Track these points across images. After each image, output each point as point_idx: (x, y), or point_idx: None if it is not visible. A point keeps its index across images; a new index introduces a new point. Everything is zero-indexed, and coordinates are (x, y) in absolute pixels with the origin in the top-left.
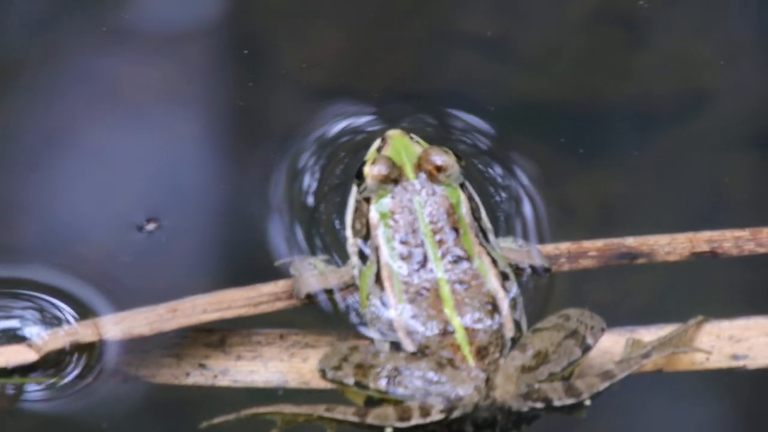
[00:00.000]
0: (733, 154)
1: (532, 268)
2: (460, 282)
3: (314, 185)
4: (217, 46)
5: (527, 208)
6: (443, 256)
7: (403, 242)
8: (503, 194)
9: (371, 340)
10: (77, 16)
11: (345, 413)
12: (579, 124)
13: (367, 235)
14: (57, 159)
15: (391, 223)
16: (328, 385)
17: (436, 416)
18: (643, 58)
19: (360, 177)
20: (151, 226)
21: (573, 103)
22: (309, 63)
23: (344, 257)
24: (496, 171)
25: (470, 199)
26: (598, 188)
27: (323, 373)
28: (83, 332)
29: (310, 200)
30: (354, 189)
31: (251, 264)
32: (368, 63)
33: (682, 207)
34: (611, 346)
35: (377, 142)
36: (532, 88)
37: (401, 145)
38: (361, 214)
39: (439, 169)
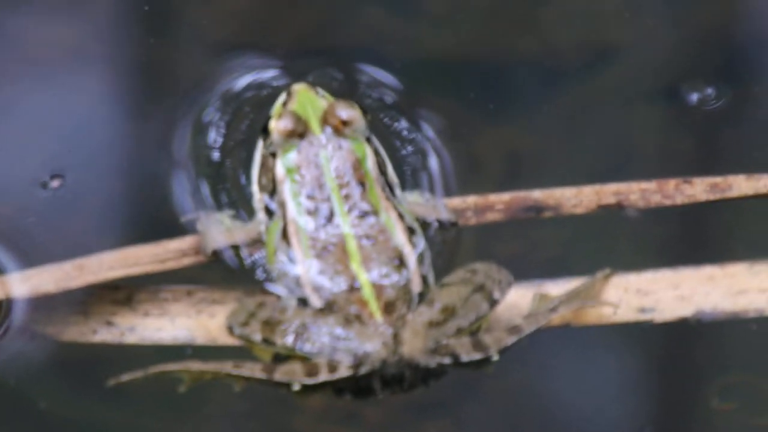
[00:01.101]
0: (640, 108)
1: (439, 222)
2: (367, 237)
3: (220, 140)
4: (121, 3)
5: (434, 162)
6: (350, 210)
7: (310, 197)
8: (410, 148)
9: (278, 297)
10: None
11: (252, 370)
12: (485, 78)
13: (273, 190)
14: None
15: (297, 178)
16: (236, 342)
17: (343, 372)
18: (548, 12)
19: (265, 132)
20: (55, 183)
21: (479, 58)
22: (213, 18)
23: (251, 213)
24: (403, 125)
25: (376, 153)
26: (505, 142)
27: (231, 330)
28: None
29: (216, 156)
30: (260, 144)
31: (157, 220)
32: (274, 18)
33: (589, 161)
34: (518, 300)
35: (283, 97)
36: (438, 44)
37: (307, 100)
38: (267, 169)
39: (344, 123)
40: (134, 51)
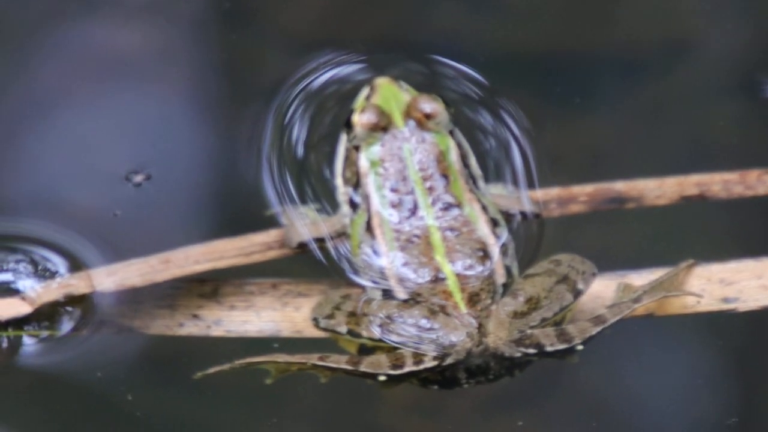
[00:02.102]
0: (720, 100)
1: (523, 214)
2: (451, 229)
3: (304, 135)
4: (203, 2)
5: (516, 155)
6: (434, 203)
7: (394, 190)
8: (493, 141)
9: (363, 289)
10: None
11: (338, 362)
12: (567, 72)
13: (357, 183)
14: (47, 117)
15: (381, 171)
16: (321, 334)
17: (429, 363)
18: (627, 6)
19: (349, 126)
20: (139, 178)
21: (560, 52)
22: (293, 15)
23: (335, 206)
24: (486, 118)
25: (459, 146)
26: (587, 135)
27: (316, 322)
28: (76, 284)
29: (300, 150)
30: (343, 138)
31: (243, 214)
32: (353, 13)
33: (670, 152)
34: (602, 290)
35: (365, 91)
36: (519, 38)
37: (390, 93)
38: (350, 162)
39: (428, 116)
40: (217, 49)
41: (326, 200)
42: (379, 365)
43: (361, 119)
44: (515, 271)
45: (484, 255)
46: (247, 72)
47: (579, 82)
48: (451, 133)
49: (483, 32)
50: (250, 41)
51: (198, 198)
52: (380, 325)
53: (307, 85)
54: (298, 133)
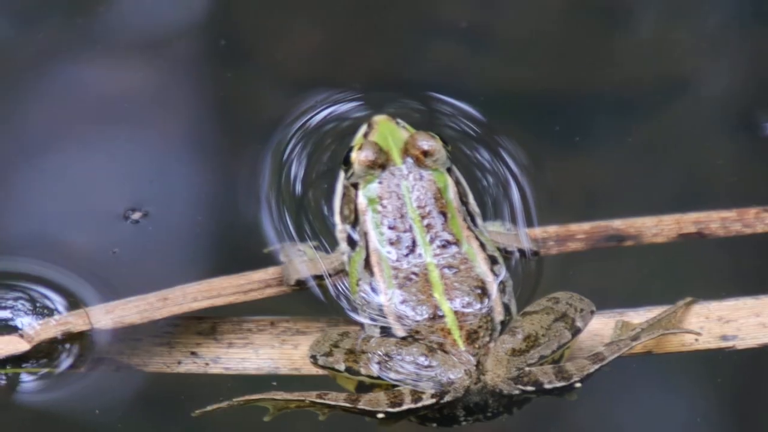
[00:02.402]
0: (717, 137)
1: (521, 251)
2: (449, 266)
3: (301, 173)
4: (197, 41)
5: (514, 193)
6: (432, 240)
7: (392, 227)
8: (490, 179)
9: (361, 326)
10: (54, 25)
11: (337, 399)
12: (564, 111)
13: (355, 220)
14: (44, 157)
15: (379, 208)
16: (320, 372)
17: (427, 401)
18: (622, 45)
19: (347, 163)
20: (136, 215)
21: (557, 90)
22: (288, 53)
23: (333, 243)
24: (483, 156)
25: (457, 183)
26: (584, 173)
27: (314, 360)
28: (74, 322)
29: (298, 188)
30: (341, 175)
31: (241, 252)
32: (348, 53)
33: (668, 190)
34: (601, 328)
35: (364, 128)
36: (514, 77)
37: (388, 131)
38: (349, 199)
39: (425, 153)
40: (213, 87)
41: (324, 238)
42: (377, 403)
43: (359, 157)
44: (513, 308)
45: (483, 292)
46: (244, 110)
47: (576, 121)
48: (449, 170)
49: (480, 70)
50: (246, 79)
51: (196, 236)
52: (378, 363)
53: (305, 123)
54: (296, 170)
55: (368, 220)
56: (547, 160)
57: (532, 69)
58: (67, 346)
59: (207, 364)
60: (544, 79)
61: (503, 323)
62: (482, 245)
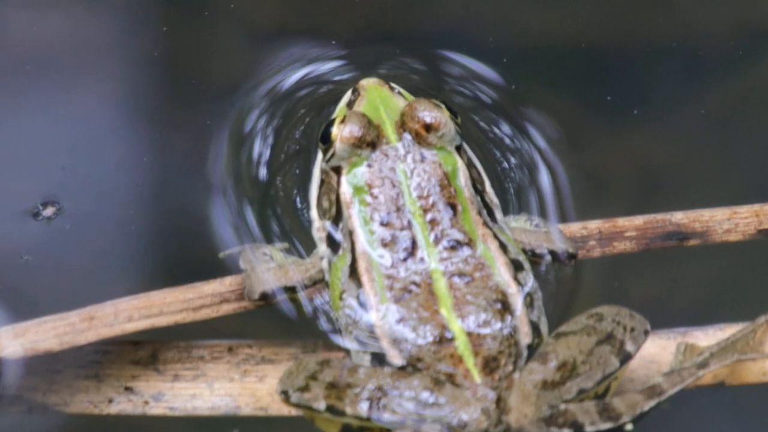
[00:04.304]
0: None
1: (553, 254)
2: (460, 274)
3: (267, 153)
4: None
5: (545, 178)
6: (437, 241)
7: (385, 224)
8: (514, 160)
9: (347, 352)
10: None
11: None
12: (611, 71)
13: (337, 216)
14: None
15: (369, 199)
16: (293, 411)
17: None
18: None
19: (326, 141)
20: (48, 211)
21: (603, 44)
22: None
23: (309, 245)
24: (505, 130)
25: (470, 166)
26: (638, 152)
27: (286, 396)
28: None
29: (263, 173)
30: (319, 157)
31: (188, 257)
32: None
33: (746, 174)
34: (658, 353)
35: (348, 95)
36: (550, 26)
37: (379, 98)
38: (329, 188)
39: (428, 127)
40: (157, 42)
41: (298, 238)
42: None
43: (342, 132)
44: (544, 328)
45: (504, 308)
46: (196, 72)
47: (628, 84)
48: (459, 149)
49: (502, 18)
50: (199, 32)
51: (129, 236)
52: (369, 400)
53: (272, 87)
54: (261, 150)
55: (354, 214)
56: (588, 136)
57: (573, 18)
58: None
59: (146, 402)
60: (587, 30)
61: (531, 347)
62: (503, 246)
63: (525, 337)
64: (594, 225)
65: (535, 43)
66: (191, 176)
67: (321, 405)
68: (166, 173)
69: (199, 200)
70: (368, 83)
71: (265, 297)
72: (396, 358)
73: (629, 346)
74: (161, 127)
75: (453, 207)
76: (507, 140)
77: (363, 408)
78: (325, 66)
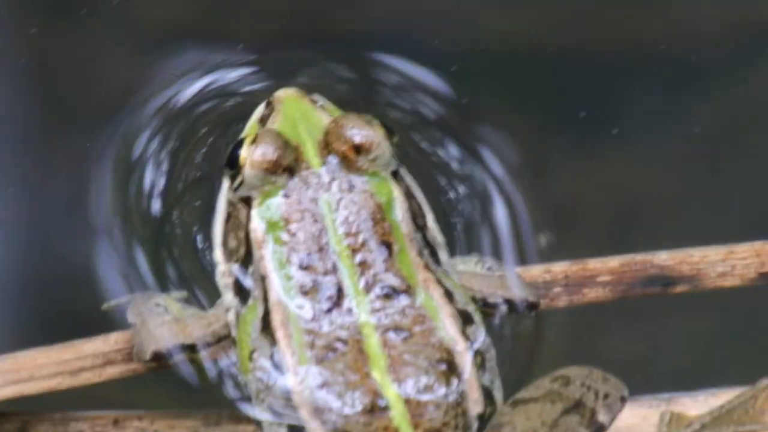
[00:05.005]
0: None
1: (510, 303)
2: (396, 328)
3: (161, 183)
4: None
5: (500, 211)
6: (368, 287)
7: (305, 267)
8: (463, 189)
9: (258, 425)
10: None
11: None
12: (581, 80)
13: (247, 257)
14: None
15: (285, 237)
16: None
17: None
18: None
19: (233, 166)
20: None
21: (571, 48)
22: None
23: (213, 294)
24: (452, 153)
25: (409, 196)
26: (614, 178)
27: None
28: None
29: (156, 207)
30: (225, 185)
31: (65, 309)
32: None
33: (743, 205)
34: (637, 424)
35: (260, 109)
36: (507, 26)
37: (298, 113)
38: (237, 224)
39: (358, 148)
40: (19, 46)
41: (198, 285)
42: None
43: (252, 155)
44: (498, 394)
45: (449, 369)
46: (72, 83)
47: (601, 96)
48: (395, 175)
49: (451, 16)
50: (77, 34)
51: None
52: None
53: (167, 101)
54: (154, 179)
55: (268, 255)
56: (554, 159)
57: (536, 14)
58: None
59: None
60: (556, 31)
61: (482, 417)
62: (448, 294)
63: (475, 406)
64: (560, 268)
65: (492, 46)
66: (68, 211)
67: None
68: (36, 208)
69: (78, 240)
70: (285, 95)
71: (158, 357)
72: (318, 431)
73: (602, 416)
74: (30, 151)
75: (388, 246)
76: (455, 165)
77: None
78: (230, 74)
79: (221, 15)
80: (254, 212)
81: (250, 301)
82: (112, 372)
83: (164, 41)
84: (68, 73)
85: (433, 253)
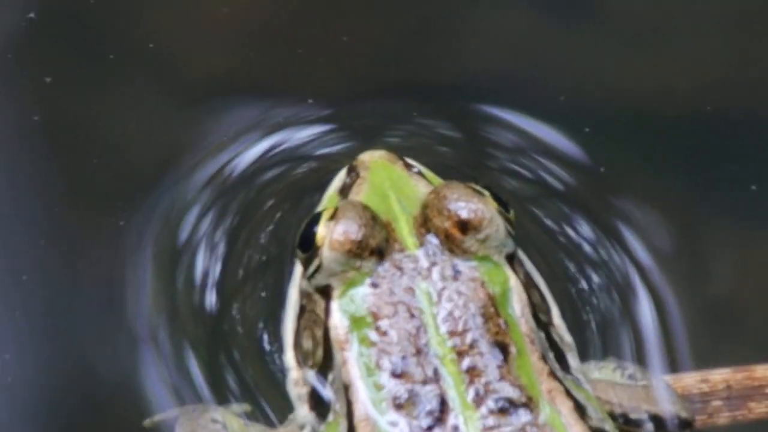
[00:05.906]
0: None
1: (657, 420)
2: None
3: (217, 271)
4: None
5: (645, 306)
6: (479, 400)
7: (399, 375)
8: (598, 279)
9: None
10: None
11: None
12: (741, 143)
13: (326, 362)
14: None
15: (374, 336)
16: None
17: None
18: None
19: (308, 247)
20: None
21: (726, 106)
22: (201, 41)
23: (284, 407)
24: (585, 233)
25: (529, 286)
26: None
27: None
28: None
29: (211, 301)
30: (298, 272)
31: (100, 426)
32: (317, 27)
33: None
34: None
35: (341, 176)
36: (646, 79)
37: (388, 181)
38: (312, 320)
39: (465, 226)
40: (33, 99)
41: (265, 396)
42: None
43: (332, 234)
44: None
45: None
46: (100, 145)
47: (765, 163)
48: (512, 260)
49: (576, 66)
50: (106, 85)
51: (11, 399)
52: None
53: (222, 168)
54: (207, 265)
55: (352, 359)
56: (712, 243)
57: (679, 63)
58: None
59: None
60: (702, 84)
61: None
62: (580, 408)
63: None
64: (720, 376)
65: (633, 102)
66: (101, 308)
67: None
68: (61, 304)
69: (115, 344)
70: (371, 159)
71: None
72: None
73: None
74: (50, 231)
75: (503, 348)
76: (587, 248)
77: None
78: (299, 133)
79: (283, 61)
80: (334, 305)
81: (331, 417)
82: None
83: (214, 93)
84: (96, 133)
85: (560, 357)
